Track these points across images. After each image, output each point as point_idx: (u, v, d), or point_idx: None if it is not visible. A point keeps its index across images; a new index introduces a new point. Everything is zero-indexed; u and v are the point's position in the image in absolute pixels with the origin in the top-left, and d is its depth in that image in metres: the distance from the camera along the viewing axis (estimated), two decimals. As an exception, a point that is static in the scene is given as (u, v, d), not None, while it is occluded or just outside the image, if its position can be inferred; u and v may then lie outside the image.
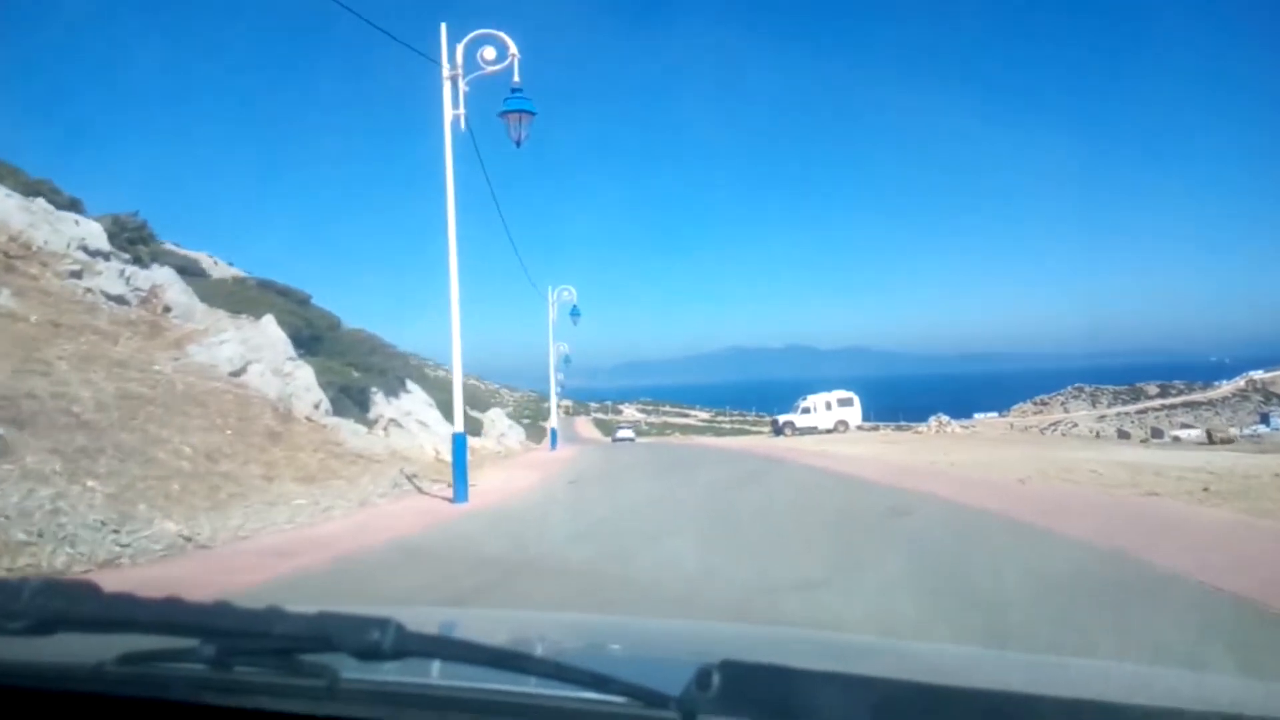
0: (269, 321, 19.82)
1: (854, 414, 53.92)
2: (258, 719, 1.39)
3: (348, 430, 19.09)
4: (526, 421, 79.36)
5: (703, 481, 17.87)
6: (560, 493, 16.72)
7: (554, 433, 41.39)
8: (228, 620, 1.34)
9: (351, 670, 1.32)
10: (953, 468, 18.73)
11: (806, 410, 53.74)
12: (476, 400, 44.07)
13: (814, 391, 55.59)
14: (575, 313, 36.73)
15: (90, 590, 1.36)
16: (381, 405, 21.88)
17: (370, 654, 1.23)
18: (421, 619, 1.72)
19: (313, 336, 22.16)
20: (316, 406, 18.90)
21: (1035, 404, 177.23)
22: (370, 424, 21.16)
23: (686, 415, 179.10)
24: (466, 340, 14.85)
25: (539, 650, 1.75)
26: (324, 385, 19.84)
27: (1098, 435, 60.69)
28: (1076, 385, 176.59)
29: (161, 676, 1.42)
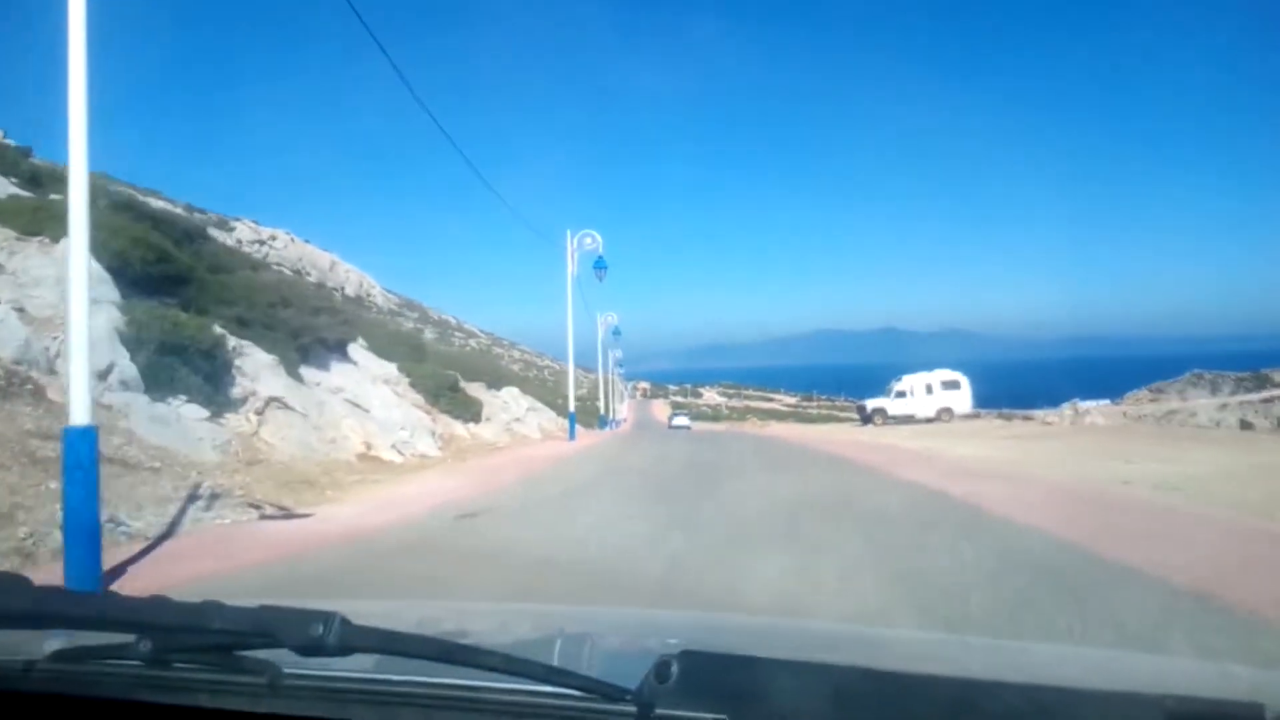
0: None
1: (961, 400, 44.51)
2: (197, 717, 1.33)
3: (144, 415, 11.64)
4: (584, 405, 73.53)
5: (725, 519, 10.05)
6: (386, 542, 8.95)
7: (572, 418, 33.00)
8: (165, 616, 1.28)
9: (294, 666, 1.26)
10: (1200, 499, 10.30)
11: (902, 394, 44.68)
12: (491, 375, 36.55)
13: (904, 374, 46.52)
14: (600, 264, 31.40)
15: (21, 585, 1.28)
16: (269, 379, 14.43)
17: (313, 649, 1.17)
18: (368, 612, 1.66)
19: (170, 277, 14.83)
20: (103, 377, 11.48)
21: (1151, 391, 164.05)
22: (233, 405, 13.66)
23: (770, 399, 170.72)
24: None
25: (491, 642, 1.61)
26: (139, 343, 12.43)
27: (1218, 425, 50.68)
28: (1195, 371, 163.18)
29: (95, 674, 1.36)
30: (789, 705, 1.08)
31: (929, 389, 44.52)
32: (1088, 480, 12.59)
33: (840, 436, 31.85)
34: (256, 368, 14.40)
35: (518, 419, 31.95)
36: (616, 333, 59.51)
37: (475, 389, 29.59)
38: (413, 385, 22.72)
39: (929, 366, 47.35)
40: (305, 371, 16.65)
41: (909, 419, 42.84)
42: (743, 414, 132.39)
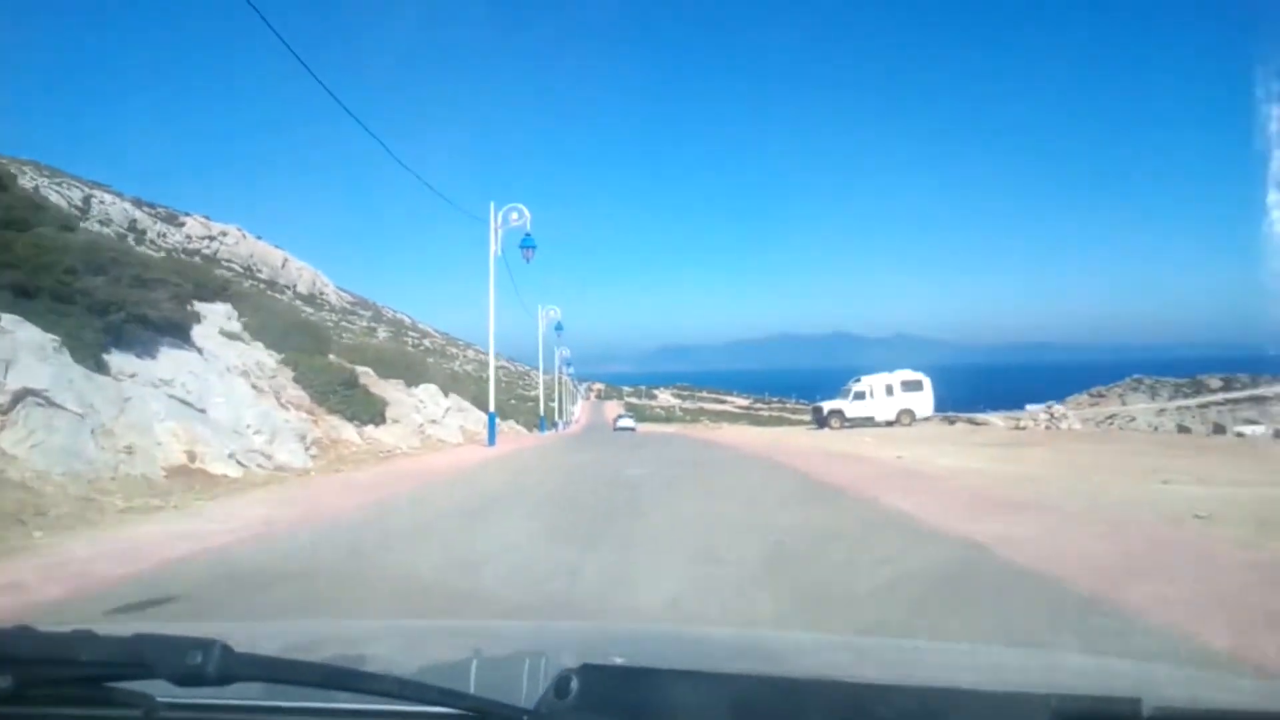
0: None
1: (923, 402, 41.84)
2: None
3: None
4: (532, 407, 69.69)
5: (637, 596, 6.08)
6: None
7: (492, 420, 28.26)
8: (28, 647, 1.20)
9: (171, 696, 1.19)
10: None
11: (860, 395, 41.78)
12: (411, 371, 32.45)
13: (850, 379, 43.60)
14: (528, 242, 26.78)
15: None
16: (31, 365, 10.21)
17: (192, 678, 1.10)
18: (252, 635, 1.68)
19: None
20: None
21: (1091, 395, 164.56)
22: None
23: (723, 402, 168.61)
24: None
25: (384, 664, 1.62)
26: None
27: (1156, 430, 48.54)
28: (1135, 377, 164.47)
29: None
30: (690, 715, 1.08)
31: (889, 390, 41.60)
32: (1152, 510, 9.06)
33: (795, 442, 27.97)
34: (14, 349, 10.29)
35: (434, 420, 28.06)
36: (559, 328, 56.59)
37: (387, 386, 25.58)
38: (298, 379, 19.00)
39: (879, 370, 43.82)
40: (116, 359, 12.66)
41: (867, 421, 40.08)
42: (695, 416, 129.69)
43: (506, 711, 1.13)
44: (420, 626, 2.96)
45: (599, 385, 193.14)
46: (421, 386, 30.37)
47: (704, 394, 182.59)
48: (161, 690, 1.17)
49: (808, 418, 54.66)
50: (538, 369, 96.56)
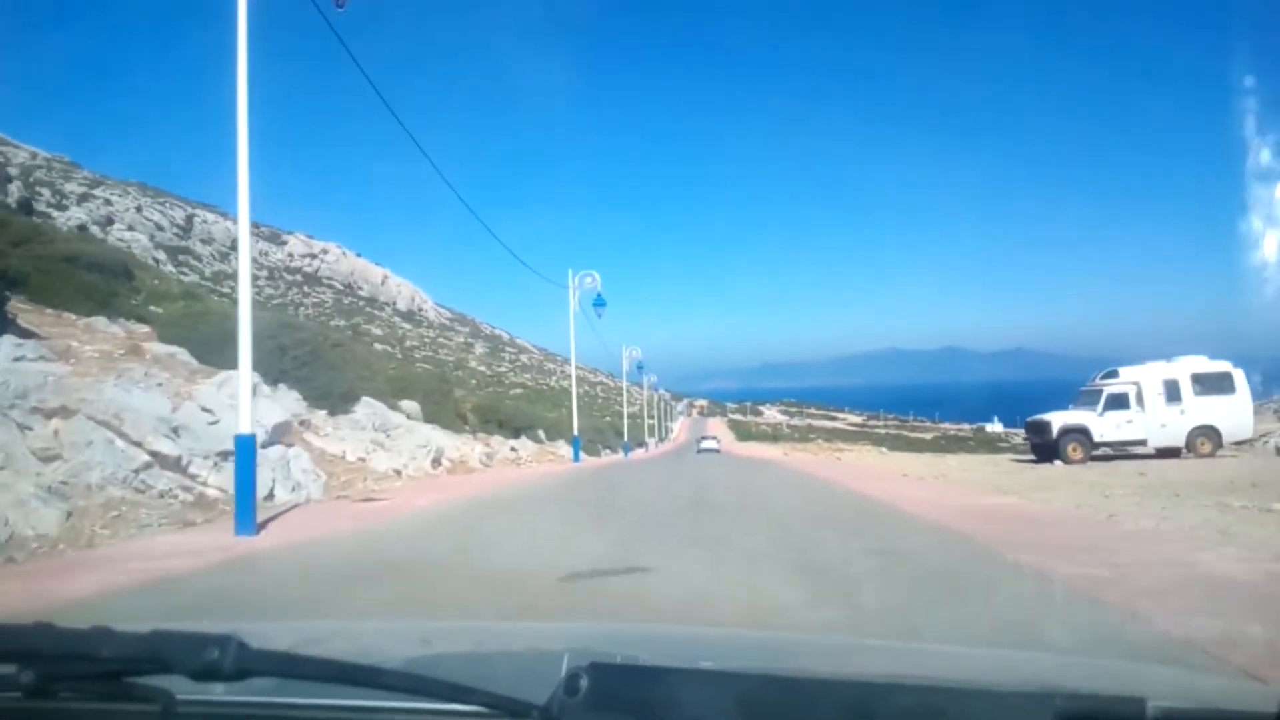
0: None
1: (1235, 412, 24.38)
2: None
3: None
4: (635, 423, 63.50)
5: None
6: None
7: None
8: (49, 643, 1.22)
9: (188, 692, 1.20)
10: None
11: (1119, 402, 24.50)
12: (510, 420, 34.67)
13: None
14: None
15: None
16: None
17: (209, 674, 1.12)
18: (266, 634, 1.66)
19: None
20: None
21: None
22: None
23: (834, 419, 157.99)
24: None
25: (395, 661, 1.64)
26: None
27: None
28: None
29: None
30: (697, 713, 1.08)
31: (1171, 391, 24.25)
32: None
33: (1043, 511, 11.93)
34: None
35: (410, 458, 19.95)
36: (640, 367, 55.55)
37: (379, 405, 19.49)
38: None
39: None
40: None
41: (1134, 446, 24.49)
42: (805, 434, 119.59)
43: (517, 708, 1.12)
44: (432, 626, 3.00)
45: (702, 402, 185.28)
46: (405, 403, 25.69)
47: (813, 410, 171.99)
48: (179, 686, 1.17)
49: (928, 436, 43.71)
50: (637, 386, 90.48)
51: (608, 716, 1.08)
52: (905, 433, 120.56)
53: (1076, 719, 1.03)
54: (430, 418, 24.80)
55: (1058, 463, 23.73)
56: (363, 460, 16.16)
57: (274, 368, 16.20)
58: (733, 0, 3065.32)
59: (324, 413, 16.11)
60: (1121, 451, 25.03)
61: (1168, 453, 24.01)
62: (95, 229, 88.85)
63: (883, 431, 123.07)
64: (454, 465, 20.93)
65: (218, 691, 1.20)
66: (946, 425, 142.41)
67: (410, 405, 24.26)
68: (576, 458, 31.70)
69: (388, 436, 18.26)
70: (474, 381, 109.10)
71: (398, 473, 16.75)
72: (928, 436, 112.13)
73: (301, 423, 14.97)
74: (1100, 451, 24.58)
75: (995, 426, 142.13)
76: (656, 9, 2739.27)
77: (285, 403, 14.86)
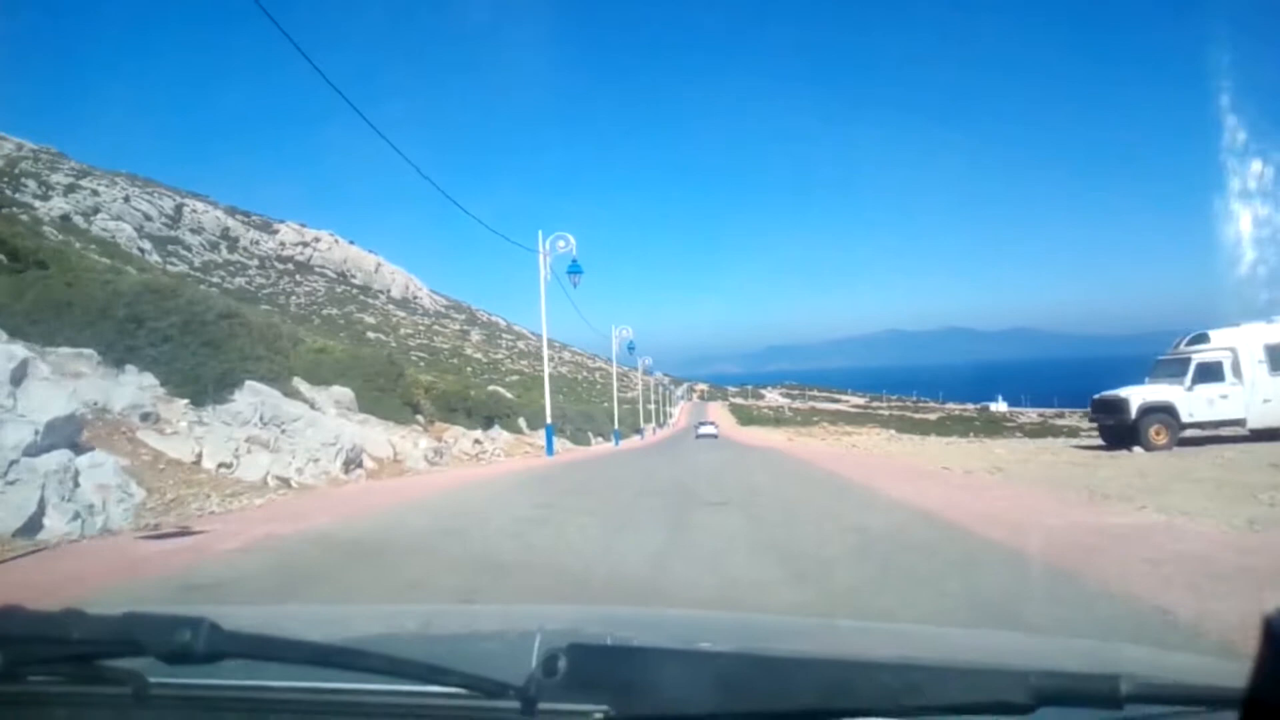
0: None
1: None
2: None
3: None
4: (623, 409, 60.23)
5: None
6: None
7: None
8: (17, 626, 1.20)
9: (161, 675, 1.18)
10: None
11: (1210, 373, 19.98)
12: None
13: (967, 375, 31.47)
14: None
15: None
16: None
17: (182, 656, 1.10)
18: (240, 617, 1.64)
19: None
20: None
21: None
22: None
23: (837, 400, 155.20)
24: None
25: (373, 643, 1.58)
26: None
27: None
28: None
29: None
30: (675, 693, 1.09)
31: (1276, 358, 19.63)
32: None
33: (1107, 514, 9.10)
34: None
35: (312, 457, 15.79)
36: (631, 347, 51.67)
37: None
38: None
39: (994, 366, 27.72)
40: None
41: (1224, 429, 20.26)
42: (808, 417, 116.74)
43: (494, 688, 1.12)
44: (409, 610, 3.02)
45: (702, 386, 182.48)
46: (333, 387, 21.60)
47: (815, 392, 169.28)
48: (151, 669, 1.16)
49: (933, 416, 40.77)
50: (635, 370, 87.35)
51: (586, 696, 1.08)
52: (909, 414, 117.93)
53: (1051, 696, 1.04)
54: (370, 406, 21.47)
55: (1136, 449, 19.48)
56: (226, 466, 12.33)
57: (119, 344, 13.11)
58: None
59: (185, 402, 13.25)
60: (1212, 434, 20.26)
61: (1265, 434, 19.26)
62: (79, 219, 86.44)
63: (886, 413, 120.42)
64: (380, 466, 17.34)
65: (190, 674, 1.16)
66: (951, 405, 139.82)
67: (341, 392, 20.46)
68: (550, 450, 28.06)
69: (282, 432, 14.58)
70: (469, 369, 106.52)
71: (285, 482, 13.00)
72: (932, 417, 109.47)
73: (144, 416, 11.76)
74: (1188, 434, 20.15)
75: (1000, 406, 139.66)
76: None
77: (127, 390, 11.90)
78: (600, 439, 53.14)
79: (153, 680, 1.18)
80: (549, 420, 29.61)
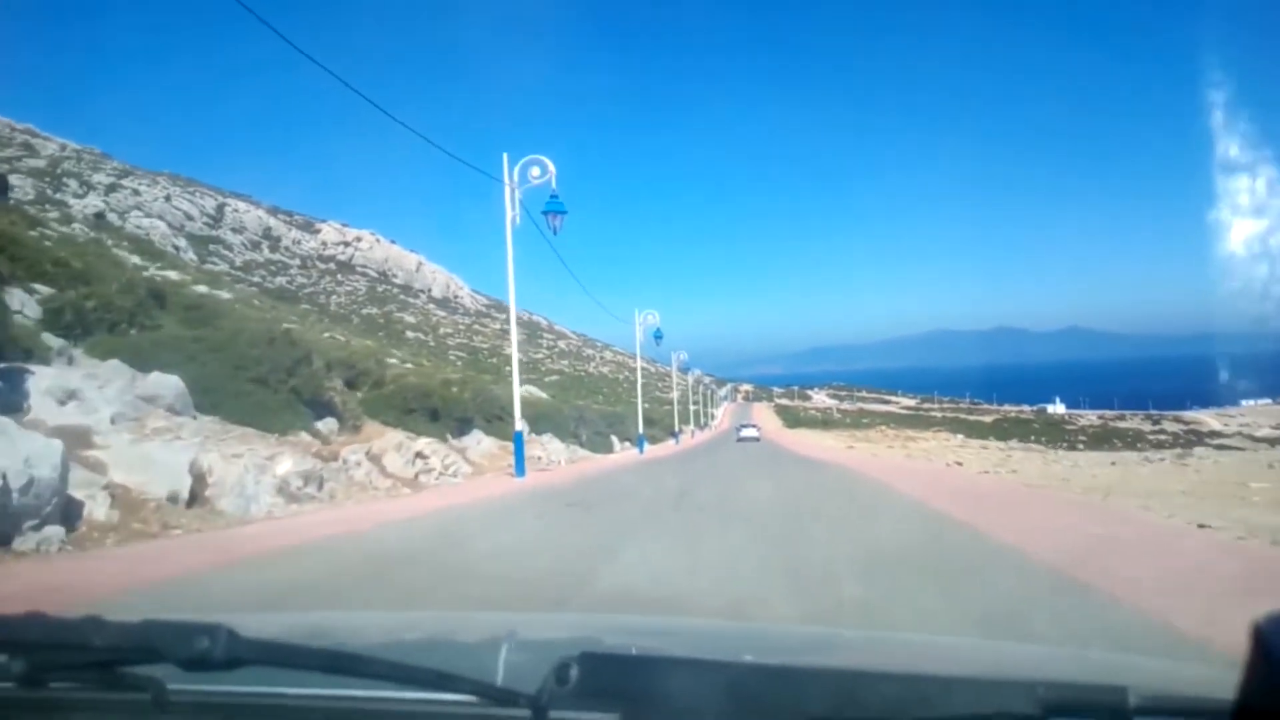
0: None
1: None
2: None
3: None
4: (665, 409, 56.18)
5: None
6: None
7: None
8: (40, 633, 1.23)
9: (179, 681, 1.21)
10: None
11: None
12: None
13: (1021, 376, 26.30)
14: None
15: None
16: None
17: (199, 663, 1.13)
18: (255, 624, 1.60)
19: None
20: None
21: None
22: None
23: (887, 402, 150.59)
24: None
25: (386, 651, 1.63)
26: None
27: None
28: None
29: None
30: (686, 703, 1.09)
31: None
32: None
33: None
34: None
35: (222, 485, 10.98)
36: (658, 335, 44.19)
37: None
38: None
39: (1049, 367, 24.74)
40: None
41: None
42: (858, 419, 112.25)
43: (506, 696, 1.14)
44: (424, 618, 3.05)
45: (747, 386, 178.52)
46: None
47: (863, 394, 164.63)
48: (170, 675, 1.18)
49: (986, 419, 37.87)
50: (681, 374, 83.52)
51: (597, 705, 1.09)
52: (963, 415, 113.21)
53: (1059, 708, 1.04)
54: (224, 404, 15.37)
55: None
56: None
57: None
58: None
59: None
60: None
61: None
62: (114, 217, 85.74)
63: (939, 415, 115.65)
64: (136, 512, 9.70)
65: (208, 680, 1.19)
66: (1007, 407, 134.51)
67: (161, 383, 13.81)
68: (520, 470, 19.67)
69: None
70: (508, 369, 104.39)
71: None
72: (988, 420, 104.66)
73: None
74: None
75: (1058, 408, 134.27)
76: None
77: None
78: (628, 443, 46.48)
79: (171, 687, 1.20)
80: (518, 426, 20.98)
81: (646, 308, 41.64)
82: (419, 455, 18.36)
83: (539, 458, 26.23)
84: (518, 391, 22.80)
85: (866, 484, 17.25)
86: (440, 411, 25.09)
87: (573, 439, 35.11)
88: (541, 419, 33.66)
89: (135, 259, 42.55)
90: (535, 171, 21.39)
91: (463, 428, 25.28)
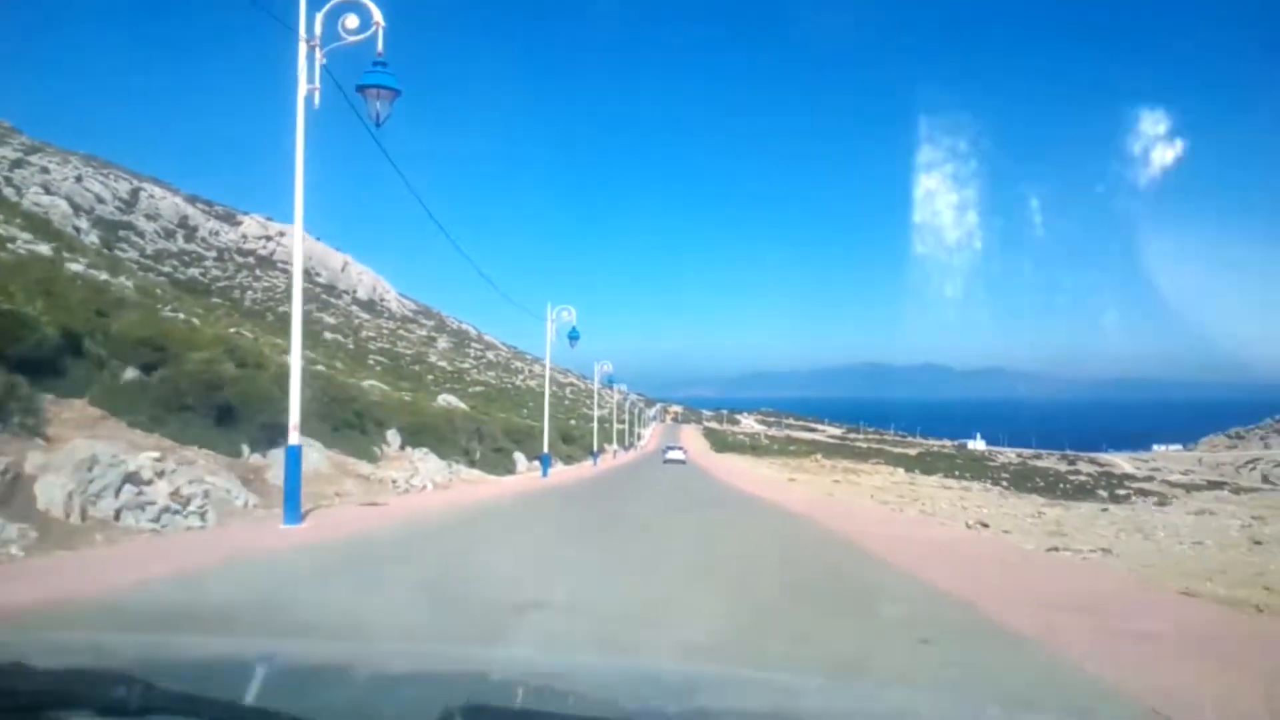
0: None
1: None
2: None
3: None
4: (591, 427, 53.78)
5: None
6: None
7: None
8: None
9: None
10: None
11: None
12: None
13: (944, 412, 28.54)
14: (574, 334, 32.38)
15: None
16: None
17: (115, 711, 1.16)
18: (175, 668, 1.63)
19: None
20: None
21: (1229, 437, 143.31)
22: None
23: (813, 430, 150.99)
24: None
25: (300, 688, 1.64)
26: None
27: None
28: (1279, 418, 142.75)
29: None
30: None
31: None
32: None
33: None
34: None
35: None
36: (574, 334, 41.99)
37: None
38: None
39: (970, 404, 24.65)
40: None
41: None
42: (785, 445, 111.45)
43: None
44: (341, 649, 3.01)
45: (676, 408, 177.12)
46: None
47: (791, 420, 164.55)
48: None
49: (911, 451, 37.59)
50: (607, 388, 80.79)
51: None
52: (888, 447, 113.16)
53: None
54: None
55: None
56: None
57: None
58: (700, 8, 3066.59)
59: None
60: None
61: None
62: (10, 192, 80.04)
63: (864, 445, 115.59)
64: None
65: None
66: (930, 441, 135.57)
67: None
68: (293, 514, 12.46)
69: None
70: (431, 377, 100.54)
71: None
72: (912, 452, 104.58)
73: None
74: None
75: (978, 444, 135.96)
76: (632, 14, 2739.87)
77: None
78: (536, 462, 39.71)
79: None
80: (293, 439, 13.15)
81: (572, 310, 37.71)
82: (130, 479, 10.81)
83: (393, 481, 21.15)
84: (296, 377, 14.12)
85: (839, 550, 11.30)
86: (239, 412, 16.82)
87: (462, 456, 30.21)
88: (424, 430, 29.21)
89: (24, 236, 38.60)
90: (351, 21, 13.14)
91: (274, 437, 16.12)
